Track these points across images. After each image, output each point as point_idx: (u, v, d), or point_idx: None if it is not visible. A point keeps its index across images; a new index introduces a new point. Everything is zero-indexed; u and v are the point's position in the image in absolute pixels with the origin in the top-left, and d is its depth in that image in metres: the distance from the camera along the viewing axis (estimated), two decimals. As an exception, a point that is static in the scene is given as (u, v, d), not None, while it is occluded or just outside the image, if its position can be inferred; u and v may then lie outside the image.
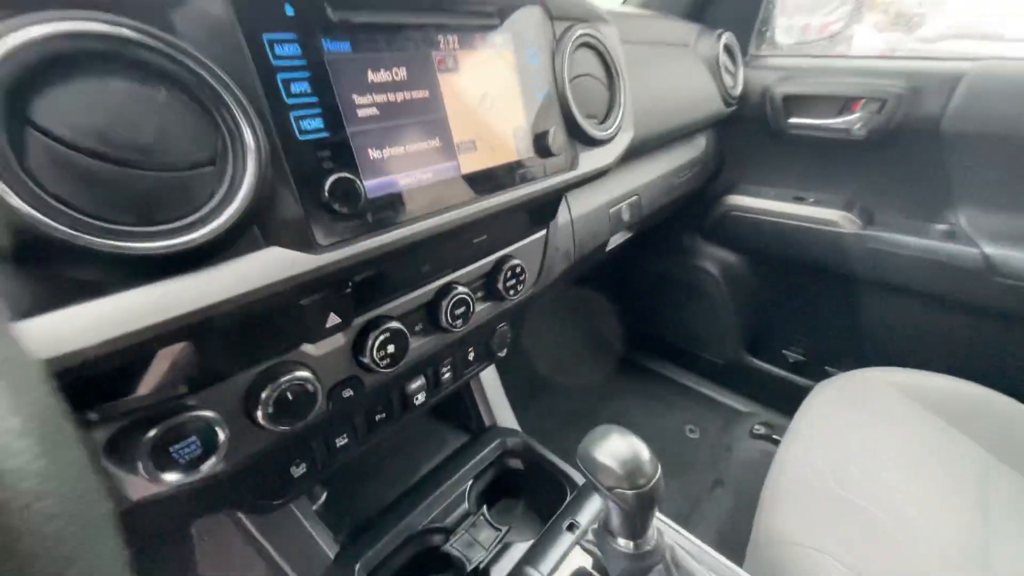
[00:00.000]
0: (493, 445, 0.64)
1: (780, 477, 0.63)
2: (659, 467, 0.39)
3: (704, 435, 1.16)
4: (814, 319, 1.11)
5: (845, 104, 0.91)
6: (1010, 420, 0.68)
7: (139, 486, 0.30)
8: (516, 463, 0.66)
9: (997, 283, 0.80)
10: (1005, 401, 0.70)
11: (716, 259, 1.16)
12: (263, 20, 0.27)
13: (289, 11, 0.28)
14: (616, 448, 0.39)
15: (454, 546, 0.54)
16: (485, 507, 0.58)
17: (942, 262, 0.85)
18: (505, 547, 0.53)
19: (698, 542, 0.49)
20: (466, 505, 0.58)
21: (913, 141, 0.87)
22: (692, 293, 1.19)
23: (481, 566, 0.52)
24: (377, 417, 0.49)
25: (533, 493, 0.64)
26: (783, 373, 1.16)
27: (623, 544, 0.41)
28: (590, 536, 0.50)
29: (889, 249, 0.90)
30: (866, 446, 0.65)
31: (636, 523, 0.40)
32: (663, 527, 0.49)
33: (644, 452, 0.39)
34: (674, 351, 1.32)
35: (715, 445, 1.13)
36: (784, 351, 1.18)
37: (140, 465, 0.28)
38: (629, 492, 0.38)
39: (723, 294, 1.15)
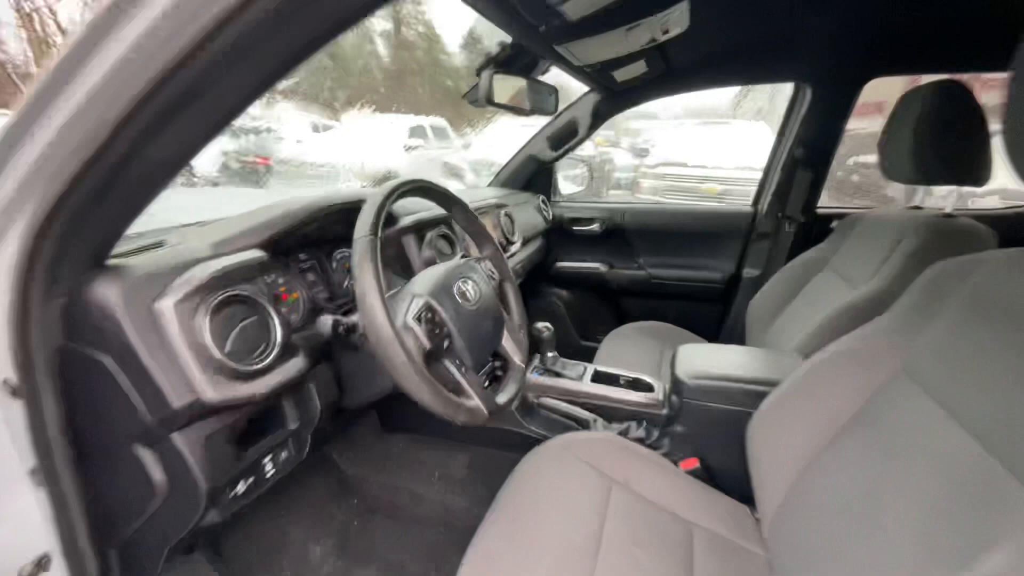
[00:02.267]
0: None
1: None
2: None
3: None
4: (606, 311, 2.33)
5: (591, 220, 2.21)
6: (677, 334, 1.88)
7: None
8: None
9: (653, 283, 2.13)
10: (677, 329, 1.91)
11: (558, 295, 2.33)
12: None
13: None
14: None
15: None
16: None
17: (638, 278, 2.17)
18: None
19: None
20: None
21: (620, 233, 2.19)
22: (552, 312, 2.33)
23: None
24: None
25: None
26: (600, 345, 2.33)
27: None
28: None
29: (621, 276, 2.19)
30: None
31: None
32: None
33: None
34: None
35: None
36: (597, 337, 2.36)
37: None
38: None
39: (564, 310, 2.32)
